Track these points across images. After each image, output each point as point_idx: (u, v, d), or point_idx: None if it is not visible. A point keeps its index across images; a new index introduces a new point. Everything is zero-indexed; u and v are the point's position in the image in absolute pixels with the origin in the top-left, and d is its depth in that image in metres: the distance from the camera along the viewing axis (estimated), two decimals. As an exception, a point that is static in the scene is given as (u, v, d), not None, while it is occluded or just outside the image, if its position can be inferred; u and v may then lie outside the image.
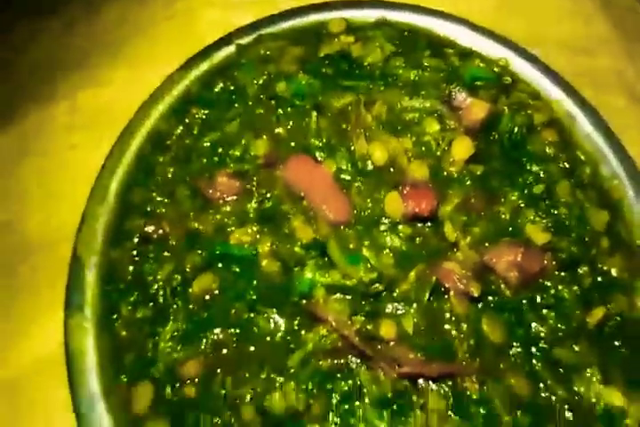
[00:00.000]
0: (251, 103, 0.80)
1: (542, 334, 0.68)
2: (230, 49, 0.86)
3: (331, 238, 0.69)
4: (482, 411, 0.62)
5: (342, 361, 0.64)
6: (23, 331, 0.74)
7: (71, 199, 0.80)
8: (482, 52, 0.88)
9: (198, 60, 0.84)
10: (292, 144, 0.77)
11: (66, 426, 0.69)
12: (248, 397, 0.61)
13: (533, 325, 0.68)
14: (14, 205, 0.84)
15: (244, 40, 0.87)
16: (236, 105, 0.80)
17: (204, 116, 0.79)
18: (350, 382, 0.63)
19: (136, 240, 0.70)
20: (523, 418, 0.63)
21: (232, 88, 0.81)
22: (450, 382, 0.63)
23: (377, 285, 0.67)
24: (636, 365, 0.67)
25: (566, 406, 0.64)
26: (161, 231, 0.71)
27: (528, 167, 0.77)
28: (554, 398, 0.65)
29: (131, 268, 0.69)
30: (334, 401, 0.62)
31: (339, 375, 0.63)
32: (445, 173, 0.76)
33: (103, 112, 0.88)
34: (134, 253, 0.69)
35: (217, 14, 0.96)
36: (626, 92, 0.97)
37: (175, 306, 0.67)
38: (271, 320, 0.66)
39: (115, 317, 0.67)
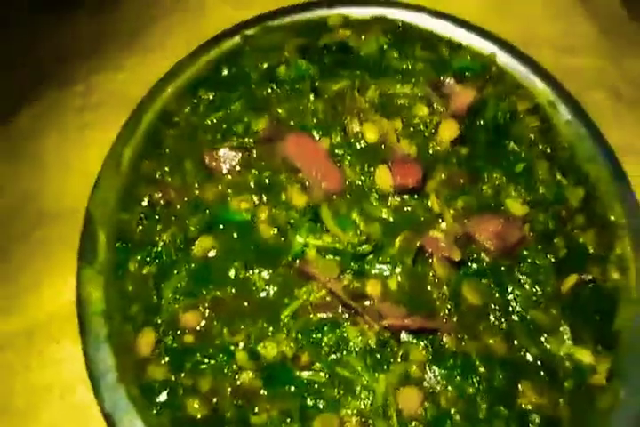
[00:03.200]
0: (253, 86, 0.86)
1: (519, 298, 0.72)
2: (237, 39, 0.93)
3: (324, 204, 0.74)
4: (459, 363, 0.67)
5: (330, 315, 0.69)
6: (36, 288, 0.80)
7: (84, 173, 0.86)
8: (471, 46, 0.94)
9: (207, 48, 0.91)
10: (291, 123, 0.83)
11: (73, 375, 0.75)
12: (242, 344, 0.67)
13: (510, 289, 0.73)
14: (32, 178, 0.91)
15: (250, 31, 0.93)
16: (240, 88, 0.86)
17: (210, 97, 0.85)
18: (338, 334, 0.68)
19: (144, 204, 0.76)
20: (498, 372, 0.67)
21: (237, 73, 0.88)
22: (430, 337, 0.68)
23: (365, 246, 0.72)
24: (606, 330, 0.71)
25: (539, 363, 0.69)
26: (167, 197, 0.77)
27: (510, 148, 0.83)
28: (528, 356, 0.69)
29: (139, 228, 0.75)
30: (322, 351, 0.67)
31: (326, 328, 0.68)
32: (432, 153, 0.81)
33: (115, 95, 0.95)
34: (142, 215, 0.75)
35: (226, 10, 1.03)
36: (608, 90, 1.04)
37: (178, 264, 0.72)
38: (266, 279, 0.71)
39: (122, 272, 0.72)
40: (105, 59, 0.98)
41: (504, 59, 0.93)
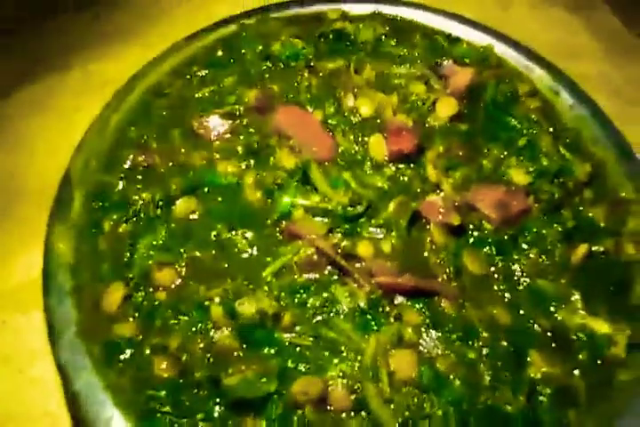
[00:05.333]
0: (248, 64, 0.85)
1: (524, 268, 0.66)
2: (234, 27, 0.92)
3: (313, 164, 0.70)
4: (459, 328, 0.60)
5: (317, 276, 0.63)
6: (9, 260, 0.76)
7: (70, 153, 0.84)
8: (469, 38, 0.93)
9: (204, 33, 0.90)
10: (284, 99, 0.81)
11: (36, 348, 0.68)
12: (218, 299, 0.60)
13: (515, 257, 0.67)
14: (17, 155, 0.88)
15: (248, 20, 0.93)
16: (234, 66, 0.85)
17: (203, 74, 0.84)
18: (324, 295, 0.62)
19: (126, 166, 0.72)
20: (503, 340, 0.60)
21: (232, 54, 0.87)
22: (426, 300, 0.62)
23: (357, 207, 0.67)
24: (622, 302, 0.65)
25: (549, 334, 0.62)
26: (151, 161, 0.73)
27: (512, 125, 0.80)
28: (536, 326, 0.62)
29: (118, 188, 0.70)
30: (306, 313, 0.60)
31: (312, 289, 0.62)
32: (429, 127, 0.78)
33: (113, 82, 0.94)
34: (122, 175, 0.71)
35: (229, 6, 1.04)
36: (610, 93, 1.02)
37: (156, 223, 0.67)
38: (249, 239, 0.66)
39: (96, 231, 0.67)
40: (103, 49, 0.98)
41: (502, 49, 0.92)
